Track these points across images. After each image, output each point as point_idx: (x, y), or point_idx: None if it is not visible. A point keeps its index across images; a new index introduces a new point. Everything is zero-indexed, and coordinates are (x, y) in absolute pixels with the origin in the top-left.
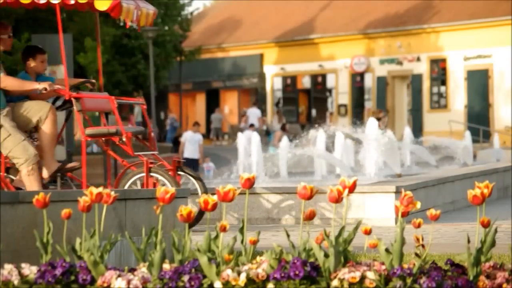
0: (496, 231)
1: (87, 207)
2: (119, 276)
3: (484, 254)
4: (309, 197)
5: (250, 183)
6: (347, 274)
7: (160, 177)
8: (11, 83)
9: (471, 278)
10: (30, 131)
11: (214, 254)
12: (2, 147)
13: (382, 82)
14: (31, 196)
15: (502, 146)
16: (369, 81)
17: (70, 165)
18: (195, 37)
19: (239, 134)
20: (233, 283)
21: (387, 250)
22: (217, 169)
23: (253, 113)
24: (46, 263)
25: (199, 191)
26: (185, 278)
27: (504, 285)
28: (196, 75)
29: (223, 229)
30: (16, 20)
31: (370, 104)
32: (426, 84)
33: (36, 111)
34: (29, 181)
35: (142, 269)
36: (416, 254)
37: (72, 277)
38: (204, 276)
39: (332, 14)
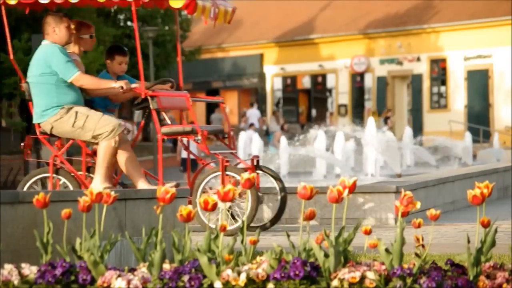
0: (496, 231)
1: (87, 207)
2: (119, 276)
3: (484, 254)
4: (309, 197)
5: (250, 183)
6: (347, 274)
7: (237, 176)
8: (88, 81)
9: (471, 278)
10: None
11: (214, 254)
12: (85, 131)
13: (382, 82)
14: (31, 196)
15: (502, 146)
16: (369, 81)
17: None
18: (195, 37)
19: (241, 133)
20: (233, 283)
21: (387, 250)
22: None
23: (253, 114)
24: (46, 263)
25: (278, 190)
26: (185, 278)
27: (504, 285)
28: (196, 75)
29: (223, 229)
30: (16, 20)
31: (370, 104)
32: (426, 84)
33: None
34: (103, 155)
35: (142, 269)
36: (416, 254)
37: (72, 277)
38: (204, 276)
39: (332, 14)
